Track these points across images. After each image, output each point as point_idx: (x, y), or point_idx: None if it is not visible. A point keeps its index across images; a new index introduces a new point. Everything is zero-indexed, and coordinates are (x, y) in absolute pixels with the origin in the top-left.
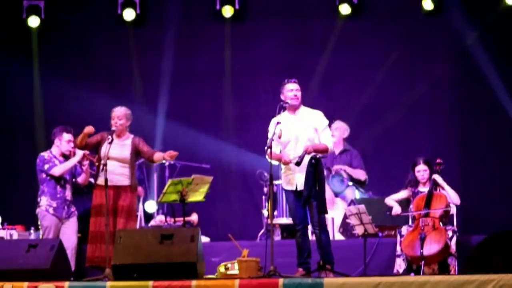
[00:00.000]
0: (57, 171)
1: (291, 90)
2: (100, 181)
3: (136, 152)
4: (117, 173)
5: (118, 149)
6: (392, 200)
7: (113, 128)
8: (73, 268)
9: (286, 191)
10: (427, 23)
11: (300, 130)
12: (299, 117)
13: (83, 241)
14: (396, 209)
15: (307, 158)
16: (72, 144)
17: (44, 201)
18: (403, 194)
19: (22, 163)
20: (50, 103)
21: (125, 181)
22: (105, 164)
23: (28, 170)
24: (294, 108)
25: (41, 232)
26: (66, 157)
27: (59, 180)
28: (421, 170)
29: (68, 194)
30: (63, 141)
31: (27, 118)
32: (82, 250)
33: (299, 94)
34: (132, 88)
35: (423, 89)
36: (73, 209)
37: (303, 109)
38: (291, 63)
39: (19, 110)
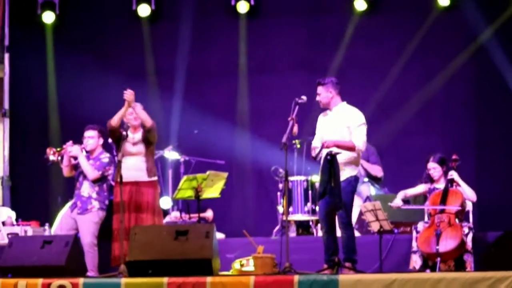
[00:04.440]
0: (64, 173)
1: (317, 94)
2: (119, 178)
3: (147, 141)
4: (134, 168)
5: (132, 145)
6: (403, 193)
7: (128, 124)
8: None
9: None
10: (443, 18)
11: (332, 128)
12: (333, 114)
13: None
14: (397, 202)
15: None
16: (85, 141)
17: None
18: (419, 189)
19: (36, 159)
20: (64, 99)
21: (143, 176)
22: (120, 161)
23: (42, 166)
24: (330, 106)
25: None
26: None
27: (77, 176)
28: (431, 168)
29: (85, 190)
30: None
31: (41, 114)
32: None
33: (319, 97)
34: (146, 84)
35: (438, 85)
36: (90, 206)
37: (340, 107)
38: (306, 59)
39: (33, 106)
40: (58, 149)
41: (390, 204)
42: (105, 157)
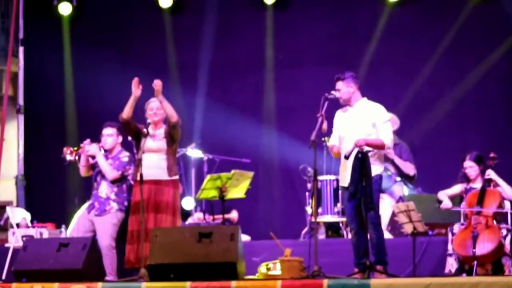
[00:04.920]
0: (80, 172)
1: (336, 90)
2: (138, 176)
3: (170, 138)
4: (154, 166)
5: (153, 141)
6: (444, 194)
7: (149, 120)
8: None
9: (341, 187)
10: (479, 12)
11: (354, 125)
12: (355, 110)
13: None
14: (446, 203)
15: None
16: (103, 140)
17: None
18: (456, 189)
19: (52, 158)
20: (82, 94)
21: (163, 174)
22: (140, 159)
23: (59, 165)
24: (351, 102)
25: None
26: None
27: (96, 176)
28: (468, 167)
29: (103, 190)
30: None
31: (58, 110)
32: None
33: (340, 93)
34: (168, 78)
35: (473, 81)
36: (109, 207)
37: (362, 103)
38: (335, 53)
39: (49, 102)
40: (75, 148)
41: (440, 206)
42: (125, 156)
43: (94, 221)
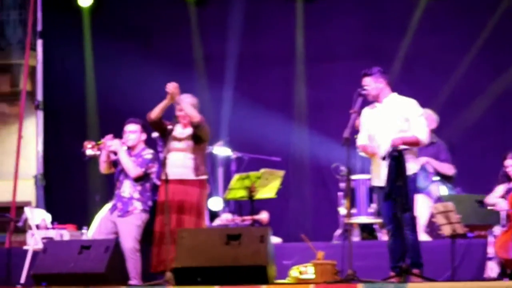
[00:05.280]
0: (100, 169)
1: (364, 86)
2: (164, 176)
3: (197, 138)
4: (180, 165)
5: (180, 140)
6: (493, 198)
7: (176, 115)
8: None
9: (374, 187)
10: None
11: (386, 122)
12: (385, 106)
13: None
14: (502, 206)
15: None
16: (125, 136)
17: None
18: (500, 191)
19: (72, 156)
20: (103, 89)
21: (189, 174)
22: (165, 158)
23: (80, 163)
24: (379, 98)
25: None
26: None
27: (118, 175)
28: (509, 166)
29: (126, 190)
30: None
31: (78, 106)
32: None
33: (368, 88)
34: (194, 72)
35: None
36: (132, 207)
37: (392, 98)
38: (369, 46)
39: (69, 97)
40: (99, 142)
41: (495, 209)
42: (148, 153)
43: (117, 222)
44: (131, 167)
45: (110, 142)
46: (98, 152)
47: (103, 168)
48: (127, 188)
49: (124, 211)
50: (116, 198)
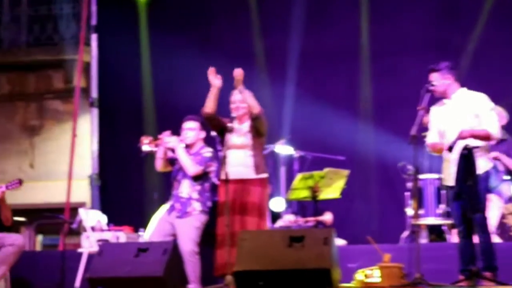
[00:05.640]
0: (155, 166)
1: (430, 82)
2: (224, 175)
3: (256, 132)
4: (240, 164)
5: (238, 137)
6: None
7: (234, 114)
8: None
9: (445, 187)
10: None
11: (456, 118)
12: (455, 102)
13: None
14: None
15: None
16: (183, 134)
17: None
18: None
19: (129, 155)
20: (160, 85)
21: (250, 173)
22: (225, 156)
23: (136, 163)
24: (447, 94)
25: None
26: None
27: (176, 174)
28: None
29: (184, 190)
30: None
31: (135, 102)
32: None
33: (435, 84)
34: (254, 66)
35: None
36: (191, 208)
37: (461, 93)
38: (438, 39)
39: (125, 93)
40: (156, 138)
41: None
42: (207, 151)
43: (175, 224)
44: (190, 164)
45: (168, 139)
46: (155, 148)
47: (159, 165)
48: (185, 188)
49: (182, 212)
50: (173, 199)
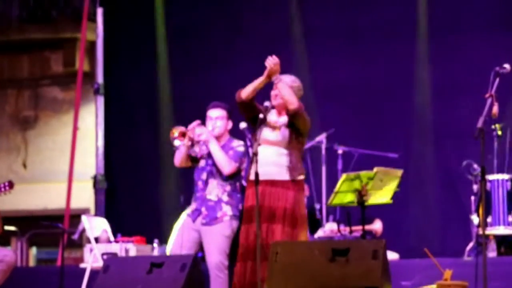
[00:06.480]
0: (175, 161)
1: None
2: (253, 175)
3: (294, 129)
4: (271, 163)
5: (273, 132)
6: None
7: (267, 103)
8: None
9: None
10: None
11: None
12: None
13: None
14: None
15: None
16: (210, 123)
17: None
18: None
19: (143, 154)
20: (178, 70)
21: (282, 173)
22: (255, 153)
23: (150, 163)
24: None
25: None
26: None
27: (199, 173)
28: None
29: (212, 191)
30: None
31: (148, 89)
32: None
33: (508, 68)
34: (291, 53)
35: None
36: (221, 213)
37: None
38: (507, 15)
39: (136, 78)
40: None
41: None
42: (239, 145)
43: (201, 231)
44: (226, 161)
45: (199, 130)
46: (189, 142)
47: (179, 160)
48: (213, 189)
49: (210, 218)
50: (198, 202)
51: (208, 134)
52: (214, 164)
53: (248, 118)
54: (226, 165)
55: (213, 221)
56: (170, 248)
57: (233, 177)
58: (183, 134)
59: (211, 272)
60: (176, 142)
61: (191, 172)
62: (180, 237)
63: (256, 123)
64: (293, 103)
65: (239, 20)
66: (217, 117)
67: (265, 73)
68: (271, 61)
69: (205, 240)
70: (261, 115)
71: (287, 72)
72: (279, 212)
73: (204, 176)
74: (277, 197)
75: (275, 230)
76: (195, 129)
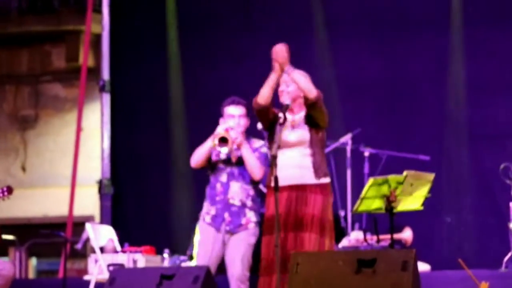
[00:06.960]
0: (191, 161)
1: None
2: (273, 181)
3: (313, 123)
4: (295, 165)
5: (292, 131)
6: None
7: (285, 100)
8: None
9: None
10: None
11: None
12: None
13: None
14: None
15: None
16: (233, 122)
17: (204, 207)
18: None
19: (152, 157)
20: (190, 65)
21: (308, 176)
22: (274, 156)
23: (160, 166)
24: None
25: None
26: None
27: (218, 174)
28: None
29: (236, 195)
30: (225, 118)
31: (157, 86)
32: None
33: None
34: (311, 43)
35: None
36: (245, 219)
37: None
38: None
39: (145, 74)
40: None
41: None
42: (261, 145)
43: (225, 239)
44: (257, 165)
45: (234, 133)
46: (235, 146)
47: (202, 160)
48: (236, 194)
49: (235, 225)
50: (219, 206)
51: (242, 137)
52: (235, 166)
53: (266, 126)
54: (257, 171)
55: (237, 228)
56: (197, 260)
57: (257, 181)
58: (223, 139)
59: (232, 282)
60: (224, 150)
61: (204, 175)
62: (210, 247)
63: (273, 128)
64: (312, 91)
65: (254, 11)
66: (240, 115)
67: (275, 66)
68: (278, 49)
69: (229, 250)
70: (280, 114)
71: (305, 68)
72: (307, 218)
73: (223, 178)
74: (305, 202)
75: (304, 239)
76: (229, 132)
